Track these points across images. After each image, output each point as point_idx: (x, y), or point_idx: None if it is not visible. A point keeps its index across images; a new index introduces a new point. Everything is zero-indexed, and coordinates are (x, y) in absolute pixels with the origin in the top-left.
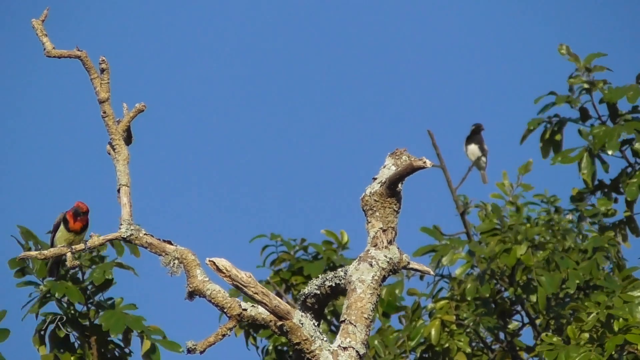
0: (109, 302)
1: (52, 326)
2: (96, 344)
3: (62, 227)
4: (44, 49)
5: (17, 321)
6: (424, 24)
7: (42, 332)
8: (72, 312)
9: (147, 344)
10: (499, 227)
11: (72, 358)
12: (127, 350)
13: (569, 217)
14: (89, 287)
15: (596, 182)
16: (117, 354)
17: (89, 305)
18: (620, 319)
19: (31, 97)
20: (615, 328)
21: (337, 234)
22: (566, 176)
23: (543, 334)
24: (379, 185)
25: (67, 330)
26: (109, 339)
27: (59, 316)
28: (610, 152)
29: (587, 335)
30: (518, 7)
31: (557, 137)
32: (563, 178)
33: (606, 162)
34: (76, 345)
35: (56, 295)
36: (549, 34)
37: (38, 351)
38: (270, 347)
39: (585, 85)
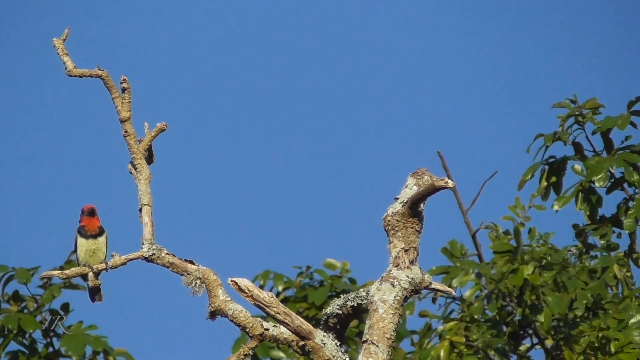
0: (68, 327)
1: None
2: None
3: (79, 238)
4: (65, 69)
5: None
6: (433, 41)
7: None
8: (29, 343)
9: None
10: (515, 247)
11: None
12: None
13: (573, 250)
14: (47, 316)
15: (598, 217)
16: None
17: (51, 335)
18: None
19: (52, 116)
20: (612, 349)
21: (339, 263)
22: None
23: None
24: (401, 205)
25: None
26: None
27: (18, 351)
28: (599, 185)
29: (582, 357)
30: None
31: (553, 179)
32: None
33: (597, 195)
34: None
35: (9, 327)
36: (545, 52)
37: None
38: None
39: (579, 118)
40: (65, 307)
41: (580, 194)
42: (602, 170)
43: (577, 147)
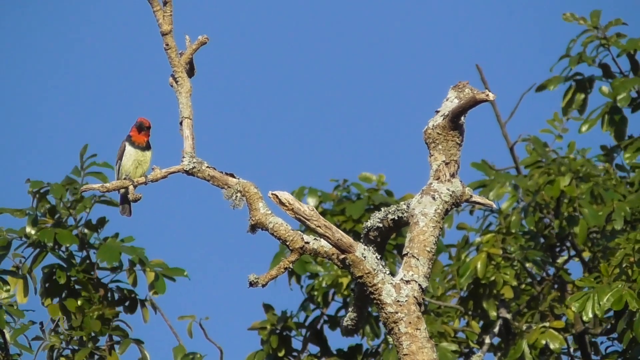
0: (104, 240)
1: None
2: (100, 285)
3: (127, 147)
4: None
5: None
6: None
7: (47, 285)
8: (66, 256)
9: (150, 275)
10: (543, 160)
11: (78, 302)
12: (132, 287)
13: (602, 167)
14: (83, 230)
15: (626, 137)
16: (118, 289)
17: (87, 248)
18: None
19: (94, 29)
20: None
21: (375, 176)
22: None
23: (577, 280)
24: (442, 118)
25: (70, 276)
26: (112, 277)
27: (55, 265)
28: (620, 104)
29: (617, 270)
30: None
31: (579, 95)
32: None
33: (621, 114)
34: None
35: (45, 241)
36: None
37: (43, 304)
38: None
39: (602, 41)
40: (102, 221)
41: (606, 115)
42: (625, 90)
43: (605, 68)
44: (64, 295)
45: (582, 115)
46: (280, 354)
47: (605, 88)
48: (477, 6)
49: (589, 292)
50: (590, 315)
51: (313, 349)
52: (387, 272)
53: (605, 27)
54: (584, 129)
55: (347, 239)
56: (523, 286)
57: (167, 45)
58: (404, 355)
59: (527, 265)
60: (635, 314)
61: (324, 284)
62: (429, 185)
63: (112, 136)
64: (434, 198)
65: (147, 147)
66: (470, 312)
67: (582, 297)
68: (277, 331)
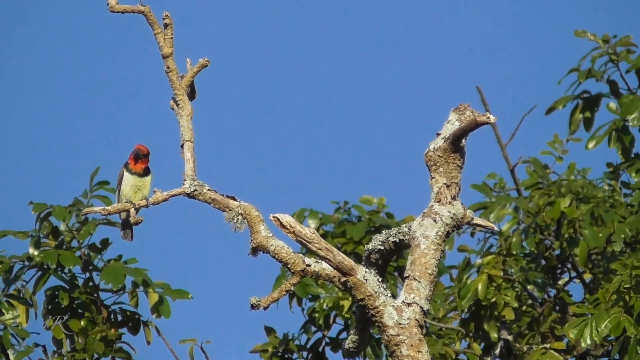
0: (108, 262)
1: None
2: (103, 306)
3: (125, 173)
4: (108, 4)
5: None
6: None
7: (50, 307)
8: (69, 278)
9: (153, 297)
10: (542, 181)
11: (81, 323)
12: (134, 308)
13: (605, 187)
14: (86, 252)
15: (632, 156)
16: (121, 311)
17: (90, 270)
18: None
19: (95, 52)
20: None
21: (375, 199)
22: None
23: (574, 306)
24: (443, 140)
25: (73, 297)
26: (114, 299)
27: (58, 286)
28: (632, 124)
29: (615, 296)
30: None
31: (587, 114)
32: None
33: (631, 135)
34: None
35: (49, 264)
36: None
37: (45, 325)
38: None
39: (612, 57)
40: (105, 243)
41: (613, 132)
42: (637, 109)
43: (612, 85)
44: (67, 316)
45: (589, 133)
46: None
47: (613, 104)
48: (477, 28)
49: (587, 319)
50: (589, 342)
51: None
52: (389, 295)
53: (615, 44)
54: (590, 145)
55: (349, 262)
56: (524, 308)
57: (168, 68)
58: None
59: (528, 286)
60: (630, 339)
61: (325, 306)
62: (430, 208)
63: (112, 159)
64: (435, 220)
65: (146, 173)
66: (471, 334)
67: (580, 324)
68: (279, 354)
